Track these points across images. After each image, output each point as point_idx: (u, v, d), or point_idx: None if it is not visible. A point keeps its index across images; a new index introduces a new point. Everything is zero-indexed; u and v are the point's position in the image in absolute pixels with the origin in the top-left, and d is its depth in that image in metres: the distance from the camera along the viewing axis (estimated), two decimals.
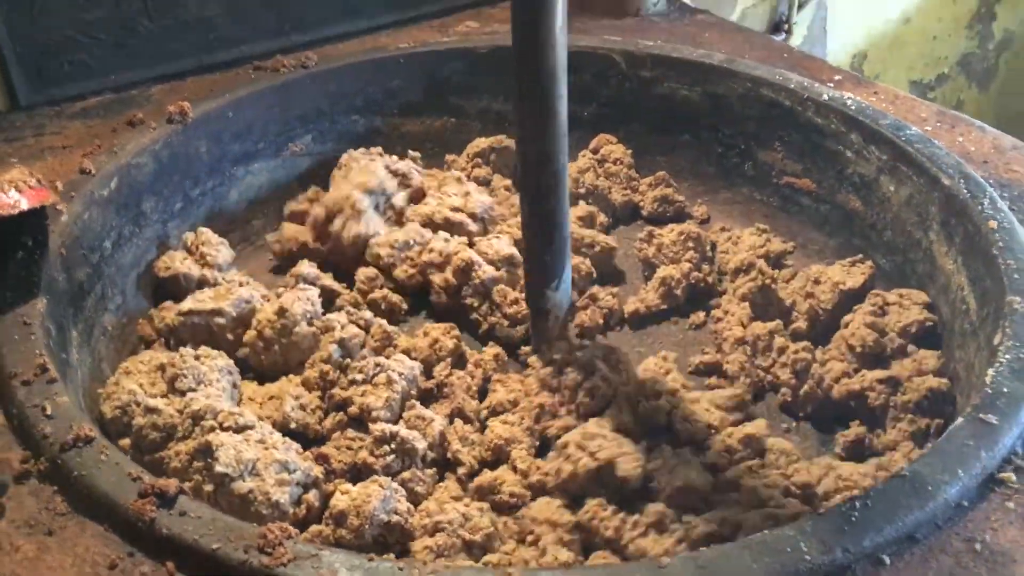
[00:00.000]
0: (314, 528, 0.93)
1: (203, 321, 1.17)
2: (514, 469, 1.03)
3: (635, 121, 1.58)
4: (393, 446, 1.01)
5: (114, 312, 1.19)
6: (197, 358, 1.08)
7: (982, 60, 2.99)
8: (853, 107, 1.37)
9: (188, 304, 1.18)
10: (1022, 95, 3.17)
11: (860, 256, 1.29)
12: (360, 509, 0.90)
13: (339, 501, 0.92)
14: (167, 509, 0.77)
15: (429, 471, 1.03)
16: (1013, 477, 0.82)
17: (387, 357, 1.14)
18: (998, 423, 0.85)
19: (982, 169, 1.25)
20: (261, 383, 1.16)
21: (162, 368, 1.07)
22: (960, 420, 0.86)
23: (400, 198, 1.42)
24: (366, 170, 1.39)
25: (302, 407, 1.09)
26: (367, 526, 0.90)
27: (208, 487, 0.91)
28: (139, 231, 1.27)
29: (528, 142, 1.09)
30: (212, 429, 0.96)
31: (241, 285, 1.23)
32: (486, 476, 1.02)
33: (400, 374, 1.10)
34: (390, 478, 0.97)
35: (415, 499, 0.99)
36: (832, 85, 1.46)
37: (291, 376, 1.15)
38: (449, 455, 1.06)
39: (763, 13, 2.29)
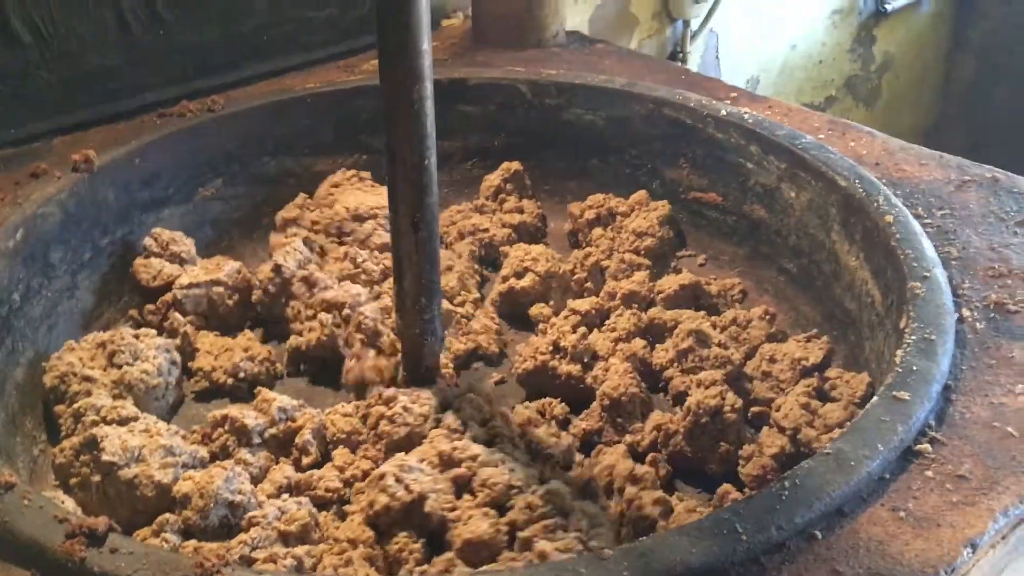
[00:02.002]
0: (161, 518, 0.95)
1: (204, 291, 1.30)
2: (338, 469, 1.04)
3: (544, 149, 1.61)
4: (226, 427, 1.07)
5: (25, 365, 1.16)
6: (136, 336, 1.17)
7: (866, 81, 3.15)
8: (750, 121, 1.43)
9: (186, 279, 1.31)
10: (904, 112, 3.34)
11: (815, 331, 1.25)
12: (204, 490, 0.94)
13: (183, 485, 0.96)
14: (97, 548, 0.75)
15: (262, 454, 1.06)
16: (929, 448, 0.86)
17: None
18: (910, 399, 0.89)
19: (875, 170, 1.31)
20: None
21: (103, 345, 1.16)
22: (875, 399, 0.90)
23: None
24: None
25: (251, 359, 1.23)
26: (211, 506, 0.94)
27: (96, 478, 0.95)
28: (48, 283, 1.24)
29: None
30: (95, 423, 1.00)
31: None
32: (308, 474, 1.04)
33: None
34: (232, 461, 1.03)
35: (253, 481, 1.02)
36: (729, 102, 1.52)
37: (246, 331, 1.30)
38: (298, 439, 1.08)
39: (658, 44, 2.37)
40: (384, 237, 1.41)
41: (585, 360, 1.22)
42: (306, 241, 1.39)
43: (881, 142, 1.41)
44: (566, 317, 1.29)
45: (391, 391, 1.08)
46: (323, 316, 1.25)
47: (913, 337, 0.97)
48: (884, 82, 3.21)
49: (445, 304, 1.26)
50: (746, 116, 1.44)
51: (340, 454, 1.06)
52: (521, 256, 1.38)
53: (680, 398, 1.18)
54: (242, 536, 0.91)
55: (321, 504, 1.00)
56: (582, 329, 1.24)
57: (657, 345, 1.26)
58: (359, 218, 1.44)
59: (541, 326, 1.30)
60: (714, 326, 1.27)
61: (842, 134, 1.43)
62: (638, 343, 1.24)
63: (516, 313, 1.37)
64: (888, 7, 3.00)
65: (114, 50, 1.47)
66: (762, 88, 2.76)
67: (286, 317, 1.32)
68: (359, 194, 1.48)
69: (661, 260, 1.43)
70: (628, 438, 1.13)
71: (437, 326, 1.11)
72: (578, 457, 1.09)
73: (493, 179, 1.56)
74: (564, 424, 1.16)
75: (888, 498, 0.81)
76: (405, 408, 1.06)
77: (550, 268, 1.37)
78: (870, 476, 0.82)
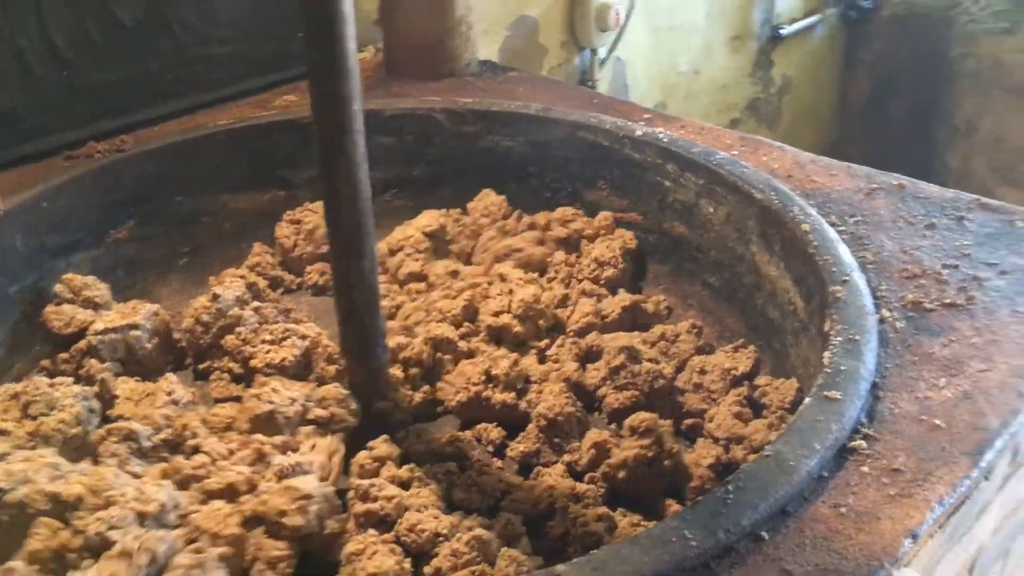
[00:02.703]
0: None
1: (120, 336, 1.26)
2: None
3: (464, 176, 1.61)
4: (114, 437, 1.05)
5: None
6: (51, 385, 1.12)
7: (767, 103, 3.25)
8: (666, 140, 1.46)
9: (101, 324, 1.26)
10: (805, 131, 3.46)
11: (742, 341, 1.27)
12: (96, 487, 0.92)
13: (72, 488, 0.93)
14: None
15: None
16: (864, 444, 0.88)
17: None
18: (842, 398, 0.91)
19: (788, 182, 1.35)
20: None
21: (16, 396, 1.10)
22: (808, 399, 0.92)
23: None
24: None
25: (175, 402, 1.17)
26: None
27: None
28: None
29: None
30: None
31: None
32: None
33: None
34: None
35: None
36: (644, 123, 1.55)
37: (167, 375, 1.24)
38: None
39: (567, 72, 2.41)
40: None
41: (519, 387, 1.21)
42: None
43: (792, 155, 1.45)
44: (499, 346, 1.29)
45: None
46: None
47: (839, 339, 1.00)
48: (785, 103, 3.33)
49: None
50: (661, 136, 1.47)
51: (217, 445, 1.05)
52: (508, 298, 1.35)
53: (615, 415, 1.18)
54: (100, 513, 0.89)
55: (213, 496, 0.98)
56: (514, 355, 1.24)
57: (589, 365, 1.26)
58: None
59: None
60: (644, 342, 1.28)
61: (754, 150, 1.47)
62: (571, 365, 1.24)
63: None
64: (783, 32, 3.12)
65: (16, 92, 1.43)
66: (669, 112, 2.82)
67: (222, 350, 1.28)
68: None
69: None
70: (566, 457, 1.12)
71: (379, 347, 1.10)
72: (518, 480, 1.08)
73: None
74: (501, 448, 1.16)
75: (828, 495, 0.82)
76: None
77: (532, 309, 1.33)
78: (810, 475, 0.83)
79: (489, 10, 2.12)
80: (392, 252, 1.49)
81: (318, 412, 1.10)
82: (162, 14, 1.57)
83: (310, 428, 1.10)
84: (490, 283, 1.39)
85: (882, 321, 1.05)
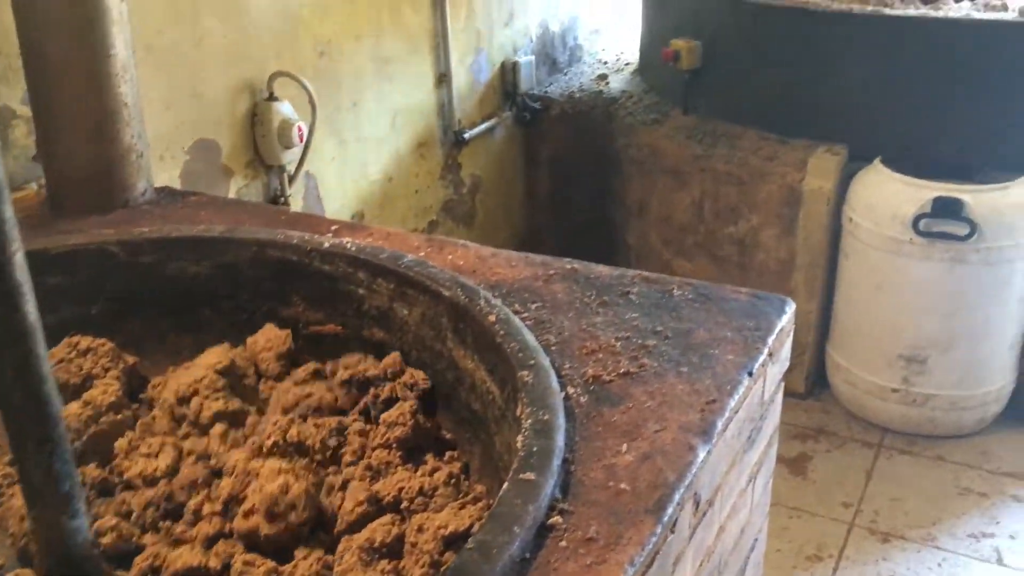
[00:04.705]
0: None
1: None
2: None
3: (149, 308, 1.54)
4: None
5: None
6: None
7: (461, 203, 3.41)
8: (354, 249, 1.48)
9: None
10: (500, 226, 3.66)
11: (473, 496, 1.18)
12: None
13: None
14: None
15: None
16: (560, 519, 0.92)
17: None
18: (535, 478, 0.95)
19: (473, 277, 1.41)
20: None
21: None
22: (506, 485, 0.95)
23: None
24: None
25: None
26: None
27: None
28: None
29: None
30: None
31: None
32: None
33: None
34: None
35: None
36: (331, 234, 1.56)
37: None
38: None
39: (256, 191, 2.39)
40: None
41: None
42: None
43: (474, 251, 1.52)
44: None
45: None
46: None
47: (529, 421, 1.05)
48: (478, 201, 3.50)
49: None
50: (349, 245, 1.49)
51: None
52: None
53: None
54: None
55: None
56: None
57: None
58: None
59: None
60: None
61: (440, 249, 1.53)
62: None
63: None
64: (467, 136, 3.30)
65: None
66: (367, 221, 2.88)
67: None
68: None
69: (416, 452, 1.28)
70: None
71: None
72: None
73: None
74: None
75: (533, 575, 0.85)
76: None
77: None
78: (512, 559, 0.85)
79: (164, 135, 2.07)
80: (183, 399, 1.36)
81: None
82: None
83: None
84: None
85: (568, 398, 1.12)
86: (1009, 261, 2.73)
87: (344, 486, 1.21)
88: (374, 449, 1.28)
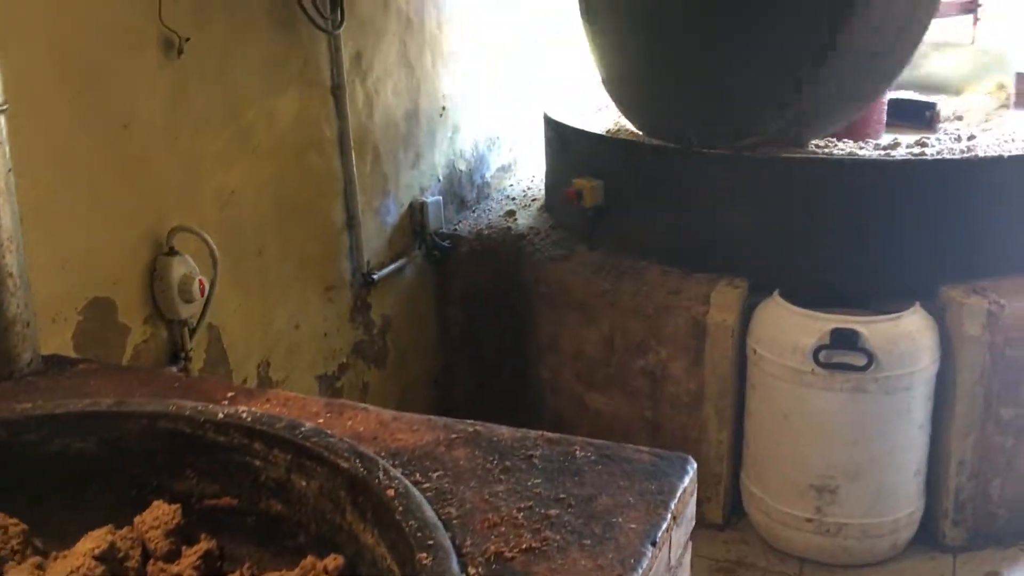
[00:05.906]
0: None
1: None
2: None
3: (32, 487, 1.46)
4: None
5: None
6: None
7: (372, 344, 3.38)
8: (249, 419, 1.44)
9: None
10: (413, 364, 3.63)
11: None
12: None
13: None
14: None
15: None
16: None
17: None
18: None
19: (373, 444, 1.38)
20: None
21: None
22: None
23: None
24: None
25: None
26: None
27: None
28: None
29: None
30: None
31: None
32: None
33: None
34: None
35: None
36: (227, 402, 1.52)
37: None
38: None
39: (156, 347, 2.33)
40: None
41: None
42: None
43: (375, 415, 1.49)
44: None
45: None
46: None
47: None
48: (389, 341, 3.48)
49: None
50: (245, 414, 1.45)
51: None
52: None
53: None
54: None
55: None
56: None
57: None
58: None
59: None
60: None
61: (340, 414, 1.50)
62: None
63: None
64: (376, 276, 3.30)
65: None
66: (275, 369, 2.83)
67: None
68: None
69: None
70: None
71: None
72: None
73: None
74: None
75: None
76: None
77: None
78: None
79: (55, 297, 2.01)
80: None
81: None
82: None
83: None
84: None
85: None
86: (906, 389, 2.82)
87: None
88: None
